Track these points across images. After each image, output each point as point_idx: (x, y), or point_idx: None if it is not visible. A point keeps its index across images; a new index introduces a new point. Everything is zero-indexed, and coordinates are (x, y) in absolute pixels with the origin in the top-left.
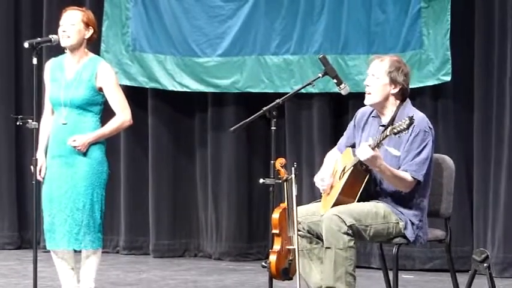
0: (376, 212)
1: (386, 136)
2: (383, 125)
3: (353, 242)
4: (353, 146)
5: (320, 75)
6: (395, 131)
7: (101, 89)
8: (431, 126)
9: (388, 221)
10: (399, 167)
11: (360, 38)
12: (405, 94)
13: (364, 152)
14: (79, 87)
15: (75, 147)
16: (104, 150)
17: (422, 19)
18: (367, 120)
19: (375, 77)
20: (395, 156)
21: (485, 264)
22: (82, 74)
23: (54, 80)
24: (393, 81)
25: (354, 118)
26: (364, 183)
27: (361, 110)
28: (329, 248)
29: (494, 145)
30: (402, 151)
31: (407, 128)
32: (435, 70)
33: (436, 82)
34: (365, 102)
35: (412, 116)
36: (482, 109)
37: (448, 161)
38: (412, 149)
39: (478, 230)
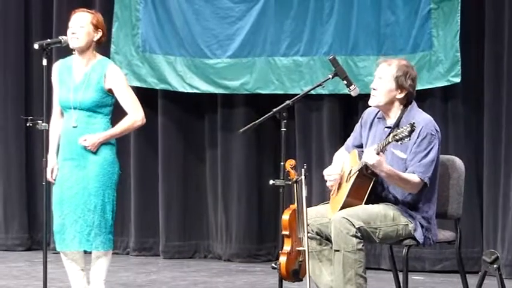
0: (385, 214)
1: (389, 142)
2: (388, 127)
3: (362, 244)
4: (360, 146)
5: (330, 76)
6: (397, 137)
7: (110, 91)
8: (438, 129)
9: (398, 223)
10: (405, 169)
11: (370, 39)
12: (410, 98)
13: (370, 157)
14: (88, 89)
15: (85, 146)
16: (114, 151)
17: (432, 20)
18: (373, 121)
19: (382, 81)
20: (402, 158)
21: (495, 266)
22: (91, 76)
23: (63, 82)
24: (400, 87)
25: (360, 118)
26: (370, 186)
27: (367, 111)
28: (338, 250)
29: (504, 146)
30: (409, 153)
31: (409, 135)
32: (445, 71)
33: (445, 83)
34: (369, 103)
35: (413, 123)
36: (492, 110)
37: (458, 162)
38: (419, 151)
39: (488, 231)
